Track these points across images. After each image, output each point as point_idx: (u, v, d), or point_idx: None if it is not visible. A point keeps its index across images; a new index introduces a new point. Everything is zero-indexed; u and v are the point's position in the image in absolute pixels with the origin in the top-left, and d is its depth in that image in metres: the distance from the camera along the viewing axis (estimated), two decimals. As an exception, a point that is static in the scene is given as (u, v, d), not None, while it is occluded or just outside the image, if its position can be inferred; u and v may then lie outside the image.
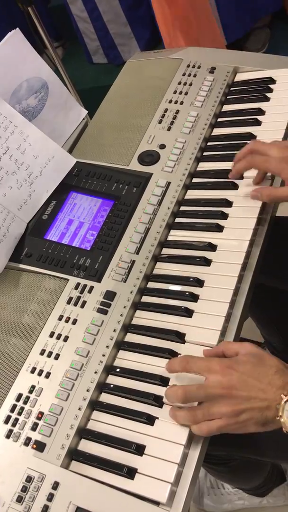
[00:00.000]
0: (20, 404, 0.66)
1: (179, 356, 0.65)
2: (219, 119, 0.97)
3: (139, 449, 0.60)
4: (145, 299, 0.75)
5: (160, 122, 0.96)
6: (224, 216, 0.81)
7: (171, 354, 0.67)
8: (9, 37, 0.88)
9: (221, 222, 0.80)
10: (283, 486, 1.15)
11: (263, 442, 0.77)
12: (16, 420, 0.65)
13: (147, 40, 2.37)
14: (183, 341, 0.69)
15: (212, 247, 0.77)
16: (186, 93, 0.99)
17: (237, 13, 1.99)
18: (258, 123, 0.93)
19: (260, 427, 0.57)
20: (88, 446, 0.63)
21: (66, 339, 0.70)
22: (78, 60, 2.64)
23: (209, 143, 0.94)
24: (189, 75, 1.03)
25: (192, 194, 0.87)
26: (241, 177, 0.84)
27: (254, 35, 2.13)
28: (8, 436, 0.64)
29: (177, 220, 0.84)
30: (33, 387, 0.67)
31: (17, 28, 0.89)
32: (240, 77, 1.03)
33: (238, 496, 1.19)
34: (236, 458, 0.91)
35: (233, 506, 1.20)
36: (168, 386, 0.64)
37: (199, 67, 1.04)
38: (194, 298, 0.72)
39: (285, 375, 0.57)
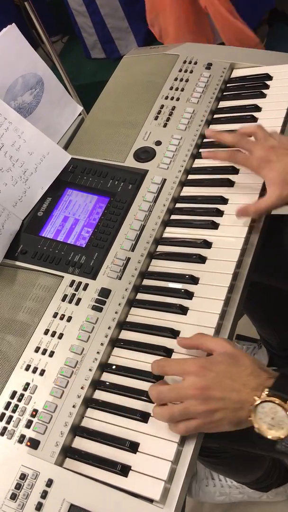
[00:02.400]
0: (14, 401, 0.66)
1: (157, 359, 0.65)
2: (215, 116, 0.97)
3: (133, 447, 0.60)
4: (140, 296, 0.75)
5: (156, 118, 0.95)
6: (220, 213, 0.80)
7: (165, 351, 0.67)
8: (5, 33, 0.88)
9: (216, 219, 0.80)
10: (287, 485, 1.15)
11: (254, 434, 0.76)
12: (11, 417, 0.65)
13: (145, 35, 2.36)
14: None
15: (207, 244, 0.77)
16: (182, 89, 0.99)
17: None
18: (254, 119, 0.93)
19: (234, 426, 0.58)
20: (82, 444, 0.63)
21: (60, 336, 0.70)
22: (75, 55, 2.63)
23: (205, 140, 0.93)
24: (186, 71, 1.02)
25: (187, 191, 0.86)
26: (236, 172, 0.84)
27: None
28: (2, 434, 0.64)
29: (173, 217, 0.83)
30: (27, 384, 0.67)
31: (13, 24, 0.89)
32: (236, 73, 1.03)
33: (240, 490, 1.19)
34: (229, 450, 0.92)
35: (230, 499, 1.20)
36: (151, 385, 0.63)
37: (195, 63, 1.03)
38: (189, 295, 0.72)
39: (259, 377, 0.58)
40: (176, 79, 1.01)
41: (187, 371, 0.60)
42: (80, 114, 1.03)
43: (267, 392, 0.55)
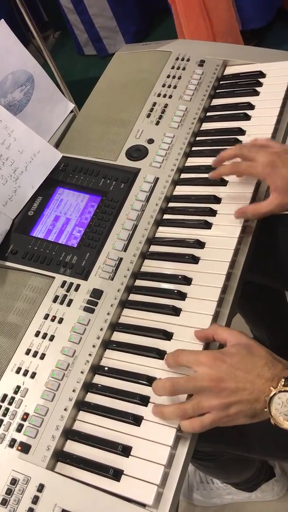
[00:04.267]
0: (5, 405, 0.65)
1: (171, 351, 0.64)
2: (208, 113, 0.96)
3: (125, 451, 0.60)
4: (133, 297, 0.74)
5: (148, 116, 0.94)
6: (213, 212, 0.80)
7: (158, 353, 0.67)
8: (-6, 29, 0.86)
9: (209, 219, 0.79)
10: (272, 482, 1.16)
11: (250, 439, 0.76)
12: (1, 421, 0.63)
13: (133, 34, 2.34)
14: (171, 340, 0.68)
15: (200, 244, 0.76)
16: (175, 87, 0.98)
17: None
18: (247, 117, 0.92)
19: (250, 419, 0.57)
20: (74, 447, 0.62)
21: (52, 338, 0.69)
22: (67, 50, 2.61)
23: (198, 138, 0.92)
24: (178, 68, 1.01)
25: (180, 190, 0.86)
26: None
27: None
28: (-8, 438, 0.63)
29: (165, 216, 0.83)
30: (18, 387, 0.66)
31: (2, 20, 0.87)
32: (229, 70, 1.02)
33: (227, 491, 1.19)
34: (223, 454, 0.91)
35: (222, 501, 1.21)
36: (156, 380, 0.63)
37: (188, 60, 1.02)
38: (182, 296, 0.72)
39: (274, 367, 0.57)
40: (168, 76, 1.00)
41: (200, 361, 0.59)
42: (72, 111, 1.02)
43: (283, 383, 0.55)
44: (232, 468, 1.01)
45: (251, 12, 1.94)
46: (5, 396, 0.65)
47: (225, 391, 0.56)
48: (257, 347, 0.60)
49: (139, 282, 0.75)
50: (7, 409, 0.64)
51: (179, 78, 0.99)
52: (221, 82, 1.00)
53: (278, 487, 1.17)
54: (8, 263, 0.78)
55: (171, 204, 0.84)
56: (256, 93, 0.95)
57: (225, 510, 1.21)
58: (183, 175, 0.87)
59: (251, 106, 0.93)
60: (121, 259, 0.76)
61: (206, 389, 0.57)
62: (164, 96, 0.97)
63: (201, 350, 0.65)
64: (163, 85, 0.99)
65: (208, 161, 0.87)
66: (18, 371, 0.67)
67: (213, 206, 0.80)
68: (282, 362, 0.58)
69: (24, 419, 0.63)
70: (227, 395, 0.56)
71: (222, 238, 0.76)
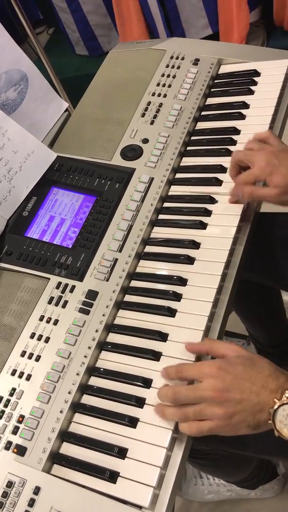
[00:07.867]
0: (0, 407, 0.65)
1: (173, 365, 0.63)
2: (203, 113, 0.96)
3: (121, 453, 0.60)
4: (128, 298, 0.74)
5: (143, 115, 0.94)
6: (208, 213, 0.80)
7: (153, 355, 0.66)
8: (-13, 27, 0.85)
9: (204, 219, 0.79)
10: (275, 481, 1.16)
11: (244, 437, 0.77)
12: (-4, 423, 0.63)
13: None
14: (166, 341, 0.68)
15: (195, 244, 0.76)
16: (169, 86, 0.97)
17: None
18: (242, 117, 0.92)
19: (252, 429, 0.57)
20: (70, 450, 0.62)
21: (47, 340, 0.69)
22: (62, 47, 2.58)
23: (192, 138, 0.92)
24: (173, 67, 1.01)
25: (175, 190, 0.85)
26: (224, 171, 0.83)
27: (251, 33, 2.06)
28: (-12, 441, 0.62)
29: (161, 217, 0.82)
30: (13, 389, 0.66)
31: (-5, 18, 0.87)
32: (224, 69, 1.02)
33: (227, 487, 1.19)
34: (218, 452, 0.91)
35: (219, 497, 1.21)
36: (161, 386, 0.63)
37: (182, 58, 1.02)
38: (177, 297, 0.71)
39: (278, 379, 0.57)
40: (163, 75, 1.00)
41: (204, 372, 0.58)
42: (66, 110, 1.02)
43: (287, 394, 0.55)
44: (228, 467, 1.01)
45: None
46: (0, 398, 0.65)
47: (230, 402, 0.56)
48: (259, 358, 0.59)
49: (134, 283, 0.75)
50: (2, 411, 0.64)
51: (174, 77, 0.99)
52: (215, 81, 1.00)
53: (279, 486, 1.17)
54: (2, 264, 0.78)
55: (166, 204, 0.84)
56: (251, 92, 0.95)
57: (221, 505, 1.21)
58: (178, 175, 0.87)
59: (246, 105, 0.93)
60: (116, 259, 0.76)
61: (209, 399, 0.57)
62: (159, 95, 0.96)
63: (202, 361, 0.64)
64: (158, 84, 0.98)
65: (203, 161, 0.87)
66: (13, 373, 0.67)
67: (208, 206, 0.80)
68: (284, 374, 0.58)
69: (19, 422, 0.63)
70: (232, 406, 0.56)
71: (218, 238, 0.76)
